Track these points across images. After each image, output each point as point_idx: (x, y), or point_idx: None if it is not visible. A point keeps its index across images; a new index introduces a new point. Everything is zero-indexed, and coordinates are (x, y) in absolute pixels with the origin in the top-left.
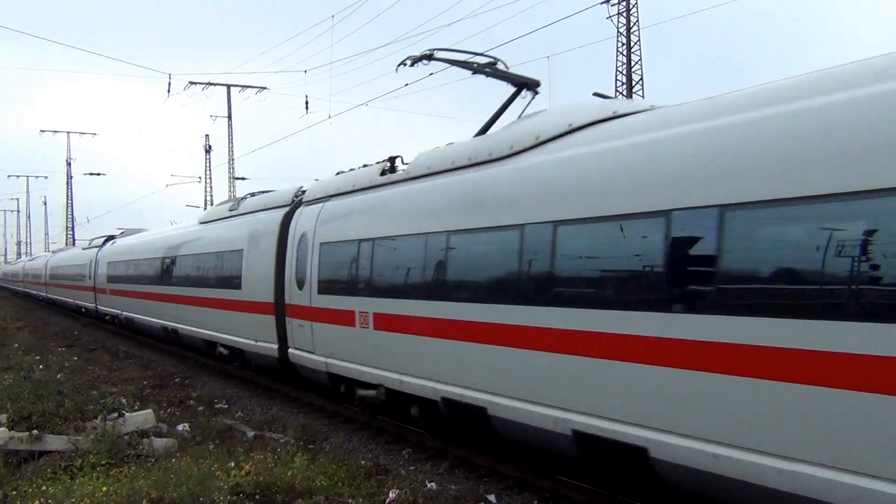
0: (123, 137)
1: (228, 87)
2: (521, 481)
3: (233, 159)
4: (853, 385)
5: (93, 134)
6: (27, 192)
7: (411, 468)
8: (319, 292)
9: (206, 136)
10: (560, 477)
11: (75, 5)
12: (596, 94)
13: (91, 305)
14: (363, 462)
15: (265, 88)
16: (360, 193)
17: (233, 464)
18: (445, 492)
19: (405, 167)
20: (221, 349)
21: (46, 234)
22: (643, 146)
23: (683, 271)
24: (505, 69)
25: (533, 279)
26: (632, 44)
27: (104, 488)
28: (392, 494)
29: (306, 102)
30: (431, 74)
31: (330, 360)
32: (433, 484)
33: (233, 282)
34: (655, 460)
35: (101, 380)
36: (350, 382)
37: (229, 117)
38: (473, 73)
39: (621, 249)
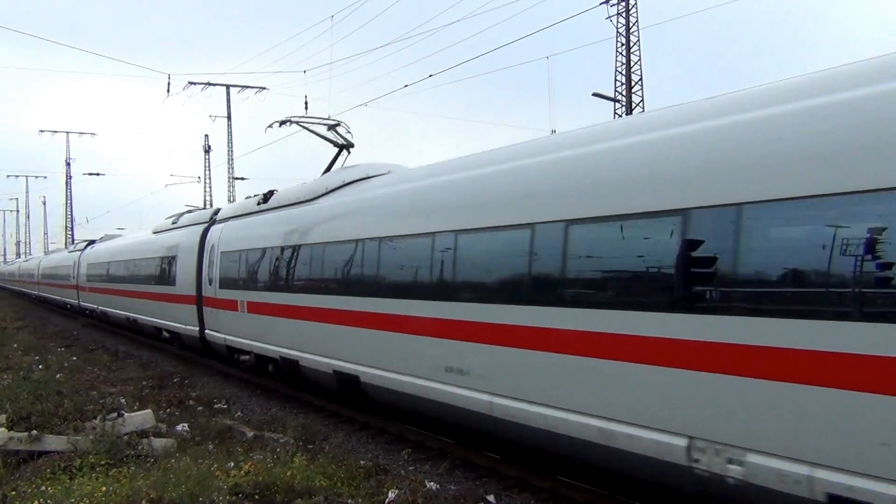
0: (123, 137)
1: (228, 87)
2: (521, 481)
3: (232, 159)
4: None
5: (92, 134)
6: (26, 192)
7: (411, 468)
8: (220, 287)
9: (206, 136)
10: (560, 477)
11: (74, 5)
12: (595, 95)
13: (74, 301)
14: (362, 462)
15: (264, 88)
16: (245, 217)
17: (232, 464)
18: (445, 492)
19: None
20: (165, 333)
21: (45, 234)
22: (378, 197)
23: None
24: (346, 131)
25: (322, 279)
26: (631, 44)
27: (103, 488)
28: (391, 494)
29: (305, 103)
30: (431, 76)
31: (227, 337)
32: (433, 484)
33: (170, 280)
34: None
35: (100, 380)
36: (238, 351)
37: (228, 117)
38: (319, 136)
39: (350, 258)
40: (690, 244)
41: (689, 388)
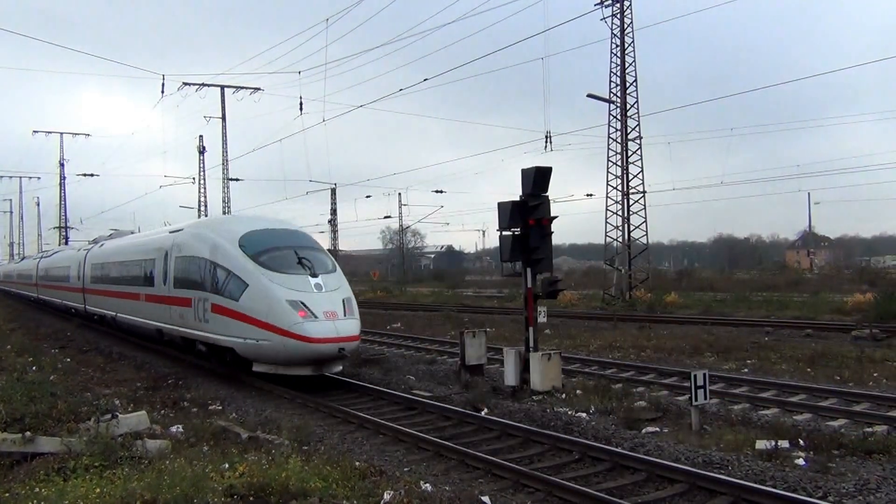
0: (117, 138)
1: (222, 87)
2: (517, 482)
3: (227, 160)
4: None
5: (86, 135)
6: (20, 192)
7: (406, 469)
8: (90, 283)
9: (200, 137)
10: (554, 479)
11: (64, 4)
12: (590, 96)
13: (80, 306)
14: (358, 463)
15: (259, 89)
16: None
17: (227, 465)
18: (440, 493)
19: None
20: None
21: (40, 235)
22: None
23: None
24: None
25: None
26: (626, 46)
27: (97, 490)
28: (387, 496)
29: (300, 103)
30: (426, 80)
31: (91, 308)
32: (428, 485)
33: (70, 280)
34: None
35: (94, 381)
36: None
37: (223, 118)
38: None
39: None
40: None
41: (155, 310)
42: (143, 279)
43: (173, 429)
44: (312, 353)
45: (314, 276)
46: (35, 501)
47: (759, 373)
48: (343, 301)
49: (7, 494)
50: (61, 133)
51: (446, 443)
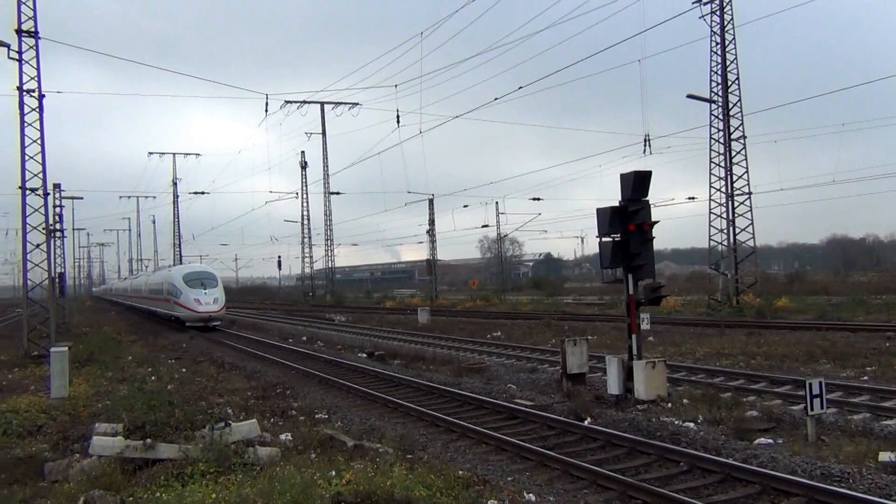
0: (224, 157)
1: (322, 104)
2: (623, 493)
3: (327, 175)
4: None
5: (196, 154)
6: (137, 211)
7: (509, 479)
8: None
9: (302, 152)
10: (662, 490)
11: (172, 30)
12: (690, 96)
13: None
14: (461, 472)
15: (357, 104)
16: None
17: (333, 473)
18: (544, 503)
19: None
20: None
21: (156, 251)
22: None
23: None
24: None
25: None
26: (726, 43)
27: (213, 495)
28: None
29: (397, 116)
30: (521, 88)
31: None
32: (532, 495)
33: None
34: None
35: (208, 390)
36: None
37: (323, 134)
38: None
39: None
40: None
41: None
42: (165, 290)
43: (282, 437)
44: (200, 318)
45: (204, 288)
46: None
47: (881, 381)
48: (214, 298)
49: (131, 498)
50: (174, 154)
51: (550, 452)
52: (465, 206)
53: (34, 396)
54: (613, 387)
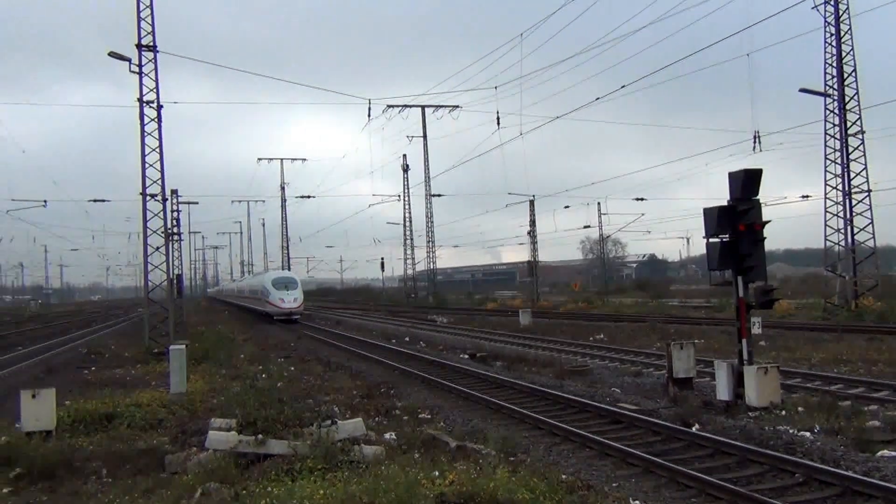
0: (329, 161)
1: (423, 107)
2: (734, 502)
3: (429, 177)
4: None
5: (302, 160)
6: (248, 215)
7: (614, 484)
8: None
9: (404, 156)
10: (776, 502)
11: (279, 42)
12: (803, 91)
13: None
14: (564, 476)
15: (458, 107)
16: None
17: (437, 473)
18: None
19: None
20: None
21: (265, 253)
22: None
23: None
24: None
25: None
26: (842, 34)
27: (321, 491)
28: None
29: (497, 118)
30: (623, 87)
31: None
32: (637, 502)
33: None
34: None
35: (315, 389)
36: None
37: (424, 137)
38: None
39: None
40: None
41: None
42: (259, 291)
43: (387, 436)
44: (284, 313)
45: (287, 290)
46: (268, 499)
47: None
48: (294, 298)
49: (244, 492)
50: (281, 159)
51: (656, 459)
52: (567, 207)
53: (155, 392)
54: (723, 392)
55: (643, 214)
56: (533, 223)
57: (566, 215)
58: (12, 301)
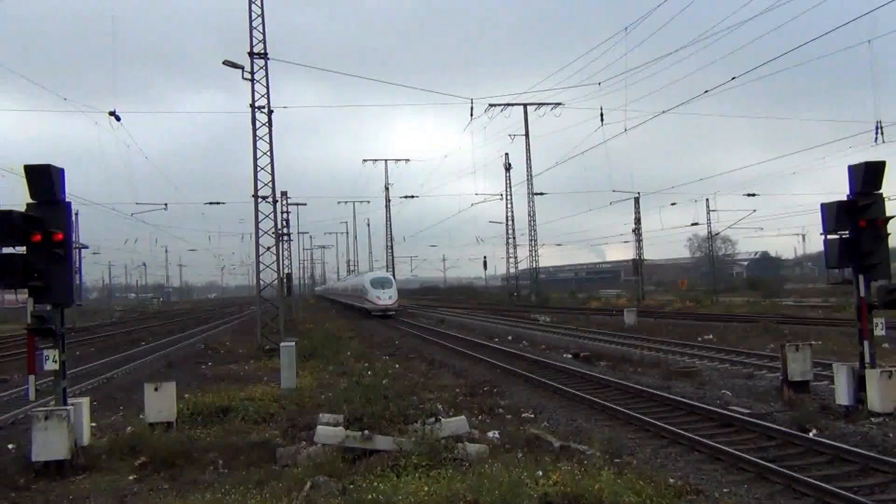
0: (431, 161)
1: (525, 105)
2: None
3: (531, 176)
4: None
5: (406, 160)
6: (353, 215)
7: (725, 490)
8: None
9: (506, 154)
10: None
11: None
12: None
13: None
14: (672, 480)
15: (560, 104)
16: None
17: (540, 473)
18: None
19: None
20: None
21: (370, 252)
22: (348, 281)
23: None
24: None
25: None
26: None
27: (426, 488)
28: None
29: (601, 114)
30: (734, 79)
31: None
32: None
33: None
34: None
35: (419, 386)
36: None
37: (526, 135)
38: None
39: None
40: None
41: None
42: (359, 289)
43: (490, 434)
44: (380, 309)
45: (383, 288)
46: (374, 494)
47: None
48: (389, 296)
49: (351, 485)
50: (385, 160)
51: (770, 465)
52: (674, 204)
53: (267, 386)
54: (842, 397)
55: (754, 211)
56: (638, 220)
57: (673, 212)
58: (136, 299)
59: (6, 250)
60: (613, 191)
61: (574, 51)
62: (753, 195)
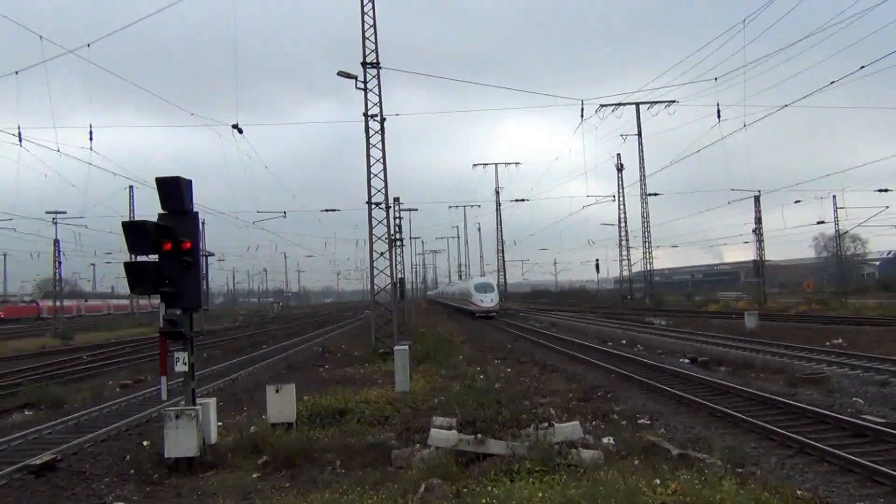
0: (541, 164)
1: (637, 105)
2: None
3: (644, 176)
4: None
5: (516, 164)
6: (464, 220)
7: None
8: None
9: (618, 155)
10: None
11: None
12: None
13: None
14: (800, 492)
15: (674, 102)
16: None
17: (658, 481)
18: None
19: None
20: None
21: (481, 256)
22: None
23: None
24: None
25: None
26: None
27: (540, 494)
28: None
29: (718, 111)
30: (863, 67)
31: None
32: None
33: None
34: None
35: (531, 390)
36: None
37: (639, 135)
38: None
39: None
40: (466, 293)
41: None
42: (465, 293)
43: (604, 440)
44: (483, 310)
45: (485, 292)
46: (487, 498)
47: None
48: (491, 299)
49: (465, 489)
50: (495, 164)
51: None
52: (797, 202)
53: (381, 389)
54: None
55: (887, 207)
56: (759, 220)
57: (796, 210)
58: (257, 304)
59: (140, 259)
60: (732, 189)
61: (688, 47)
62: (886, 191)
